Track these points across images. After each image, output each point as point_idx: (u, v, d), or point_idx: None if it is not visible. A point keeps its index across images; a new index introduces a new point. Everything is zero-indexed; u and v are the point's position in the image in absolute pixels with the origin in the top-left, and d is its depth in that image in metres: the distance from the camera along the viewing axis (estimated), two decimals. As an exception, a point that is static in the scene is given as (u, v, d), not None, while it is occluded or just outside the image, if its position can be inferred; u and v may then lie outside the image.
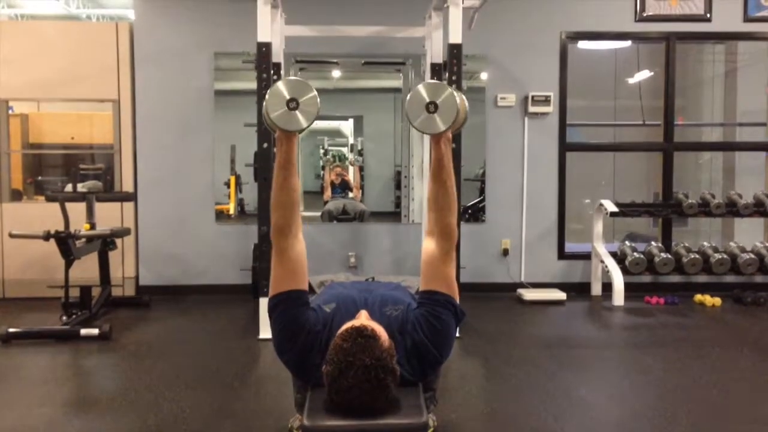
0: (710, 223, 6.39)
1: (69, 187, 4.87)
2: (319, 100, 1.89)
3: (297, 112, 1.86)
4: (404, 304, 2.04)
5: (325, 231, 5.53)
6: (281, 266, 1.94)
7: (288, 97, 1.85)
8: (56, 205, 4.15)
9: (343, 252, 5.40)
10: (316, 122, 1.94)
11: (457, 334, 2.11)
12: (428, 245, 1.99)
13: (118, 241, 4.85)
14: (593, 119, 6.75)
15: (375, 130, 6.08)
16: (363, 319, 1.81)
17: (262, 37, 3.94)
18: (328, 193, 6.03)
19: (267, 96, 1.87)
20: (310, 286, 2.45)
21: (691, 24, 5.42)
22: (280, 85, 1.88)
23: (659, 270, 5.09)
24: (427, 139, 4.65)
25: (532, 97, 5.33)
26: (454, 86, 2.14)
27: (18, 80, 5.13)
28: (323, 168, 6.27)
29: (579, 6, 5.39)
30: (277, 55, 4.44)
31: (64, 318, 4.13)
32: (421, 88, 1.91)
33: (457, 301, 1.97)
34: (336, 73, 5.79)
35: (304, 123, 1.88)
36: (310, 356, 1.88)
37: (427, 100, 1.89)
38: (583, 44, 5.61)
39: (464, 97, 2.18)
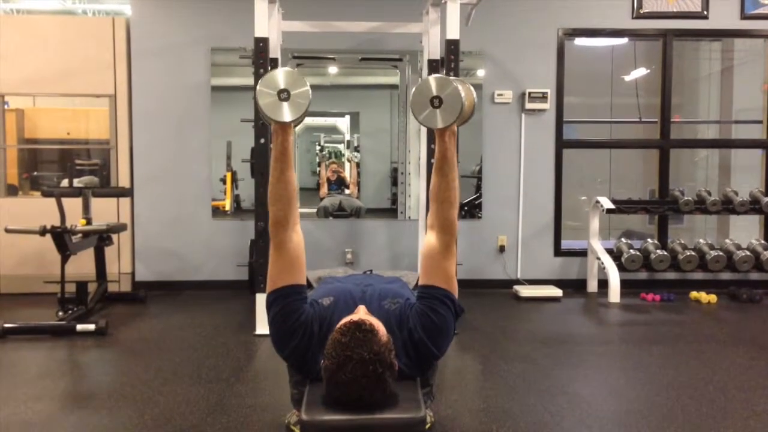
0: (706, 220, 6.42)
1: (65, 183, 4.86)
2: (311, 94, 1.84)
3: (286, 103, 1.82)
4: (403, 298, 2.03)
5: (322, 227, 5.53)
6: (280, 259, 1.93)
7: (281, 87, 1.81)
8: (52, 201, 4.14)
9: (339, 248, 5.40)
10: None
11: (455, 331, 2.09)
12: (429, 239, 1.99)
13: (114, 237, 4.84)
14: (590, 116, 6.76)
15: (371, 127, 6.08)
16: (361, 313, 1.81)
17: (260, 32, 3.93)
18: (324, 189, 6.02)
19: (260, 82, 1.83)
20: (308, 281, 2.46)
21: (688, 21, 5.43)
22: (275, 74, 1.83)
23: (655, 267, 5.11)
24: (424, 136, 4.65)
25: (529, 93, 5.33)
26: (460, 80, 2.05)
27: (14, 75, 5.12)
28: (319, 164, 6.25)
29: (576, 3, 5.40)
30: (275, 51, 4.42)
31: (60, 313, 4.13)
32: (425, 82, 1.88)
33: (456, 297, 1.97)
34: (333, 69, 5.77)
35: (290, 116, 1.83)
36: (309, 352, 1.87)
37: (432, 94, 1.86)
38: (580, 41, 5.61)
39: (472, 88, 2.11)
